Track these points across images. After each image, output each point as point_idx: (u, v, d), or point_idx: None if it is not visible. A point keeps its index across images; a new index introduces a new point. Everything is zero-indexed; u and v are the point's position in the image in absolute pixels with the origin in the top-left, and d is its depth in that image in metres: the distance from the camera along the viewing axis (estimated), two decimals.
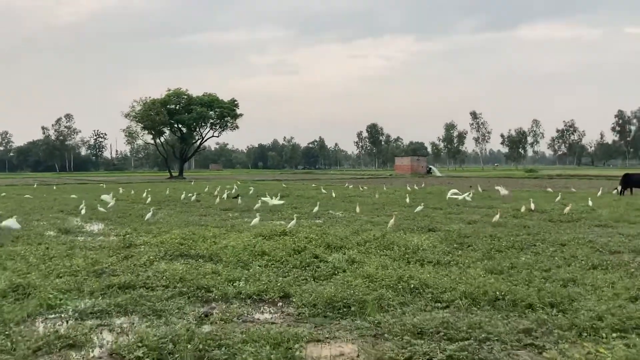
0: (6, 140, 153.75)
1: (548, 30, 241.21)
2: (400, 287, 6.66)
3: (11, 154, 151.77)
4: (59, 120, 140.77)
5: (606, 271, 7.63)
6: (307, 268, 7.86)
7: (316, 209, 17.25)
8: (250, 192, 26.38)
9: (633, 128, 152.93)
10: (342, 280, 7.00)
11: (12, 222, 12.38)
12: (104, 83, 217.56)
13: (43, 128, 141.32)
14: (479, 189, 27.34)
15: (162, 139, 75.61)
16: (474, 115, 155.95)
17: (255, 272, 7.53)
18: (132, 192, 27.69)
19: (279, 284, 6.88)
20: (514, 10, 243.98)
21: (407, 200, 21.24)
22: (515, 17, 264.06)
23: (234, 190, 26.77)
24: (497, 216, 14.00)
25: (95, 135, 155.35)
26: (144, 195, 25.30)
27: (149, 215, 14.85)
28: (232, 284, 6.96)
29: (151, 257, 8.63)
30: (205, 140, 79.09)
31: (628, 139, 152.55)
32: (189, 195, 23.69)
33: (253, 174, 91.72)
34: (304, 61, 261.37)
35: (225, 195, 23.61)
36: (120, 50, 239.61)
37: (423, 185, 28.86)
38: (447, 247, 9.53)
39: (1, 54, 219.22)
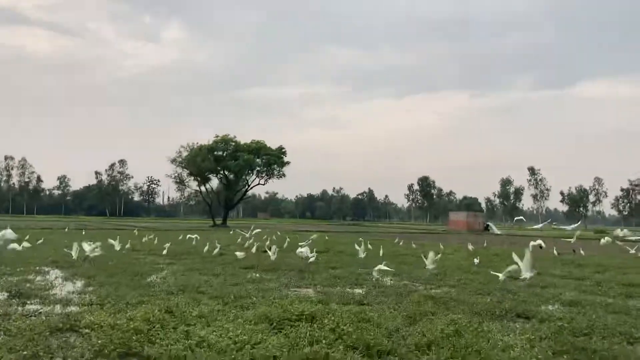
0: (64, 184, 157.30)
1: (609, 87, 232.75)
2: None
3: (68, 198, 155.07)
4: (112, 165, 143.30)
5: None
6: None
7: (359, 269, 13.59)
8: (286, 244, 22.88)
9: None
10: None
11: (8, 232, 11.95)
12: (159, 132, 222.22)
13: (96, 173, 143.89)
14: (580, 251, 22.99)
15: (208, 186, 73.79)
16: (532, 171, 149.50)
17: None
18: (155, 240, 24.69)
19: None
20: (572, 67, 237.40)
21: (476, 261, 17.32)
22: (573, 74, 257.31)
23: (267, 243, 23.33)
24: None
25: (149, 182, 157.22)
26: (166, 245, 22.26)
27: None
28: None
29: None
30: (251, 188, 77.06)
31: None
32: (215, 246, 20.47)
33: (299, 224, 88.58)
34: (356, 115, 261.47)
35: (254, 249, 20.20)
36: (178, 102, 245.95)
37: (485, 244, 24.72)
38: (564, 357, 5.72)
39: (67, 101, 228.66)
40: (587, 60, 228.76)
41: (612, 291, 11.84)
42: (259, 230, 31.99)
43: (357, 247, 18.82)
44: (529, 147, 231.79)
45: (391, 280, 13.25)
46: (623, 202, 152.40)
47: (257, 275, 13.30)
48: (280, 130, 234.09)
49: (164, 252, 19.17)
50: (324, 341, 5.81)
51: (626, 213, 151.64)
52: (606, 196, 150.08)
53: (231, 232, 39.09)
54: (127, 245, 21.58)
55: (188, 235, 27.55)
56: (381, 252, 20.47)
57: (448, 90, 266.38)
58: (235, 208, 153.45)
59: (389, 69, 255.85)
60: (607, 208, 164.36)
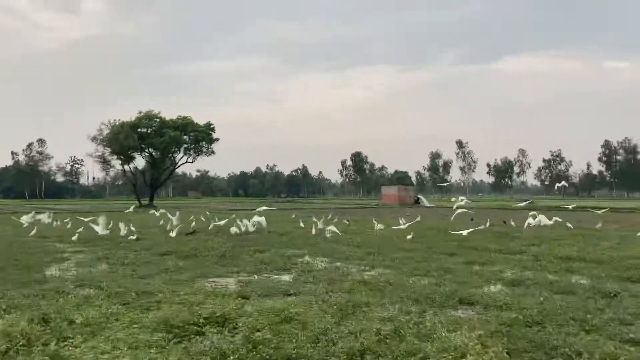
0: None
1: (530, 62, 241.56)
2: None
3: None
4: (30, 145, 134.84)
5: None
6: None
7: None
8: (211, 226, 21.40)
9: (619, 158, 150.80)
10: None
11: None
12: (82, 111, 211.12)
13: (12, 153, 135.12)
14: (511, 222, 22.71)
15: (132, 165, 70.21)
16: (459, 144, 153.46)
17: None
18: (69, 225, 22.52)
19: None
20: (496, 43, 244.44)
21: (410, 237, 16.62)
22: (497, 49, 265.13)
23: (193, 224, 21.74)
24: None
25: (72, 162, 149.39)
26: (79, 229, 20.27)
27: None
28: None
29: None
30: (179, 167, 73.99)
31: (615, 169, 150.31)
32: (132, 231, 18.76)
33: (232, 202, 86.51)
34: (288, 90, 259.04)
35: (174, 232, 18.62)
36: (100, 79, 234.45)
37: (419, 218, 24.25)
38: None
39: None
40: (511, 36, 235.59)
41: (552, 266, 11.29)
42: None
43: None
44: (457, 120, 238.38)
45: (322, 263, 12.18)
46: (545, 172, 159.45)
47: (173, 263, 11.86)
48: (211, 106, 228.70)
49: (74, 237, 17.28)
50: (232, 357, 4.61)
51: (547, 183, 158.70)
52: (530, 167, 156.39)
53: (157, 214, 37.08)
54: (33, 231, 19.49)
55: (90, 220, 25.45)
56: (313, 230, 19.45)
57: (378, 65, 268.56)
58: (164, 187, 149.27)
59: (321, 42, 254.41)
60: (530, 178, 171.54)
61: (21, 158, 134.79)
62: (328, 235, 17.91)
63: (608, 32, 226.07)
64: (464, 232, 17.99)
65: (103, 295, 7.90)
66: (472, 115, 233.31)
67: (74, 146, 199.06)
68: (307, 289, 8.56)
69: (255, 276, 10.14)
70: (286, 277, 10.02)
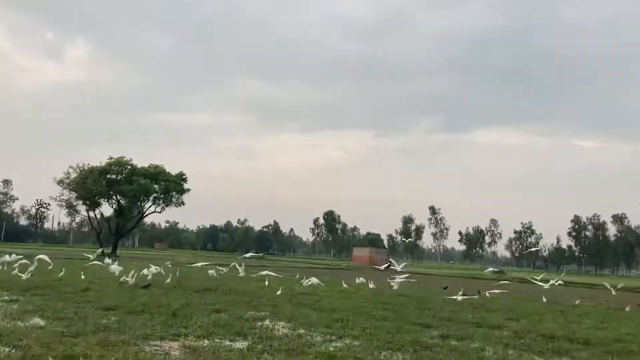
0: None
1: (501, 135, 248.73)
2: None
3: None
4: None
5: None
6: None
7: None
8: (168, 280, 19.87)
9: (588, 234, 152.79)
10: None
11: None
12: (54, 155, 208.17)
13: None
14: (486, 293, 21.65)
15: (98, 212, 67.93)
16: (432, 210, 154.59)
17: None
18: (15, 270, 20.70)
19: None
20: (469, 114, 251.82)
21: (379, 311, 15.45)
22: (469, 121, 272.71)
23: (149, 277, 20.21)
24: None
25: (38, 205, 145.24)
26: (24, 277, 18.58)
27: None
28: None
29: None
30: (145, 216, 71.73)
31: (584, 244, 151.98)
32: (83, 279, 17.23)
33: (198, 256, 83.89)
34: (263, 147, 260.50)
35: (132, 282, 17.14)
36: (76, 124, 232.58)
37: (394, 285, 23.20)
38: None
39: None
40: (482, 109, 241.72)
41: (537, 345, 10.26)
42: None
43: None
44: (430, 186, 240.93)
45: (284, 328, 10.91)
46: (515, 243, 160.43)
47: (115, 320, 10.46)
48: (185, 158, 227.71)
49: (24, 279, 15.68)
50: None
51: (517, 255, 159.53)
52: (500, 237, 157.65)
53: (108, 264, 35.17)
54: None
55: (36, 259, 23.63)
56: (279, 291, 18.14)
57: (354, 129, 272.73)
58: (130, 237, 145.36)
59: (297, 103, 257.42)
60: (501, 249, 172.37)
61: None
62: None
63: (574, 111, 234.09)
64: (458, 298, 18.14)
65: (17, 358, 6.55)
66: (444, 182, 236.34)
67: (41, 189, 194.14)
68: None
69: (206, 341, 8.85)
70: (240, 345, 8.75)
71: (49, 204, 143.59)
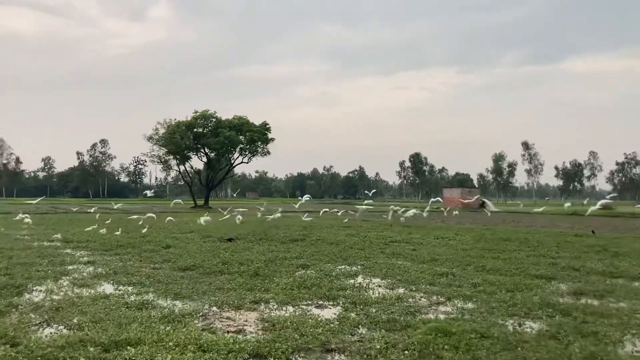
0: (49, 166, 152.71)
1: (597, 63, 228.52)
2: None
3: (54, 180, 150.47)
4: (94, 145, 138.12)
5: None
6: None
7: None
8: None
9: None
10: None
11: None
12: (144, 113, 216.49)
13: (78, 153, 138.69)
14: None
15: (188, 166, 69.35)
16: (525, 145, 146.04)
17: None
18: (103, 230, 20.51)
19: None
20: (559, 43, 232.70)
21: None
22: (561, 50, 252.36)
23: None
24: None
25: (135, 162, 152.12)
26: (115, 232, 18.30)
27: None
28: None
29: None
30: (234, 167, 72.46)
31: None
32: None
33: (287, 203, 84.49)
34: (345, 92, 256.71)
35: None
36: (163, 82, 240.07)
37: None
38: None
39: (50, 83, 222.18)
40: (574, 36, 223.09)
41: None
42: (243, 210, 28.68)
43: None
44: (520, 122, 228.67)
45: (380, 288, 9.33)
46: (618, 175, 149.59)
47: (187, 285, 9.30)
48: (269, 109, 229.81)
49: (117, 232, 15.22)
50: None
51: (620, 187, 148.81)
52: (601, 170, 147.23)
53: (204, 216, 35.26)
54: (56, 235, 17.67)
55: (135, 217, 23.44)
56: (366, 241, 16.62)
57: (437, 67, 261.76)
58: (222, 188, 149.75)
59: (378, 45, 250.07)
60: (601, 182, 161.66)
61: (86, 158, 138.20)
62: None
63: None
64: None
65: (56, 346, 5.38)
66: (536, 116, 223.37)
67: (135, 147, 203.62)
68: (356, 342, 5.79)
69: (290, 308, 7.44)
70: (328, 313, 7.26)
71: (145, 161, 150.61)
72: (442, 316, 7.15)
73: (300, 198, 23.55)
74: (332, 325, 6.49)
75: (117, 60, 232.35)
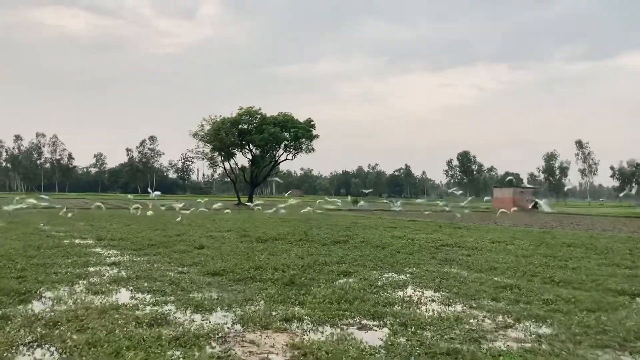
0: (100, 162, 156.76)
1: None
2: None
3: (106, 175, 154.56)
4: (143, 142, 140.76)
5: None
6: None
7: None
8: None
9: None
10: None
11: None
12: (193, 110, 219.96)
13: (127, 150, 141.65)
14: None
15: (233, 162, 69.07)
16: (579, 144, 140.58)
17: None
18: (128, 226, 19.86)
19: None
20: (614, 38, 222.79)
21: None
22: (614, 45, 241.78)
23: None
24: None
25: (183, 159, 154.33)
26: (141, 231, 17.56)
27: None
28: None
29: None
30: (279, 164, 71.70)
31: None
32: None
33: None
34: (392, 90, 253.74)
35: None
36: (211, 80, 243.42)
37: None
38: None
39: (103, 81, 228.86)
40: (629, 30, 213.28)
41: None
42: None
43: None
44: (573, 120, 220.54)
45: (433, 303, 8.00)
46: None
47: (214, 294, 8.21)
48: (314, 107, 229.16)
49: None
50: None
51: None
52: None
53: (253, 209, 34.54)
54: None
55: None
56: (414, 245, 15.22)
57: (486, 63, 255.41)
58: (267, 185, 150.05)
59: (425, 41, 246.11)
60: None
61: (135, 155, 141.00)
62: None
63: None
64: None
65: None
66: (590, 114, 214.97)
67: (185, 144, 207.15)
68: None
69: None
70: (373, 338, 5.99)
71: (193, 158, 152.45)
72: (513, 345, 5.80)
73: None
74: (377, 356, 5.23)
75: (168, 58, 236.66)
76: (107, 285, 8.78)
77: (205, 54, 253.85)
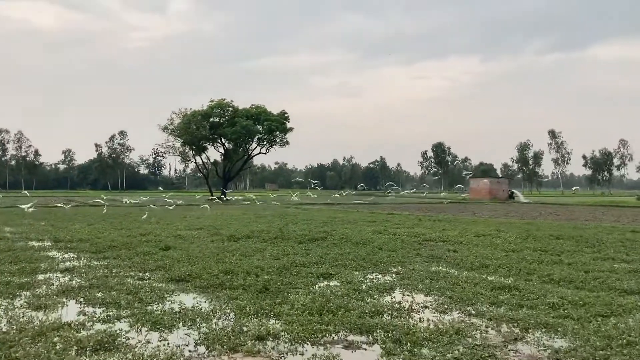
0: (69, 158, 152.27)
1: (624, 50, 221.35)
2: None
3: (74, 172, 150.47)
4: (112, 137, 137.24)
5: None
6: None
7: None
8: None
9: None
10: None
11: None
12: (163, 105, 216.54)
13: (96, 145, 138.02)
14: None
15: (205, 157, 67.44)
16: (552, 134, 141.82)
17: None
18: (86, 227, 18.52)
19: None
20: (583, 30, 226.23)
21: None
22: (585, 37, 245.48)
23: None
24: None
25: (154, 154, 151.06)
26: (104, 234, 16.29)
27: None
28: None
29: None
30: (252, 157, 70.29)
31: None
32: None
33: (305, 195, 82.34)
34: (365, 83, 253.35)
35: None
36: (182, 74, 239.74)
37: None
38: None
39: (70, 76, 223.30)
40: (597, 23, 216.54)
41: None
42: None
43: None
44: (545, 110, 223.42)
45: (426, 309, 7.08)
46: None
47: (178, 303, 7.15)
48: (288, 100, 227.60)
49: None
50: None
51: None
52: (632, 159, 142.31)
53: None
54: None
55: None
56: (397, 240, 14.34)
57: (458, 56, 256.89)
58: (241, 179, 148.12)
59: (398, 35, 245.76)
60: (632, 172, 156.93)
61: (104, 150, 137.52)
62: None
63: None
64: None
65: None
66: (561, 105, 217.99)
67: (156, 139, 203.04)
68: None
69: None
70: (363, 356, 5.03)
71: (164, 153, 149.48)
72: None
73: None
74: None
75: (138, 53, 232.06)
76: (54, 297, 7.64)
77: (177, 48, 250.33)
